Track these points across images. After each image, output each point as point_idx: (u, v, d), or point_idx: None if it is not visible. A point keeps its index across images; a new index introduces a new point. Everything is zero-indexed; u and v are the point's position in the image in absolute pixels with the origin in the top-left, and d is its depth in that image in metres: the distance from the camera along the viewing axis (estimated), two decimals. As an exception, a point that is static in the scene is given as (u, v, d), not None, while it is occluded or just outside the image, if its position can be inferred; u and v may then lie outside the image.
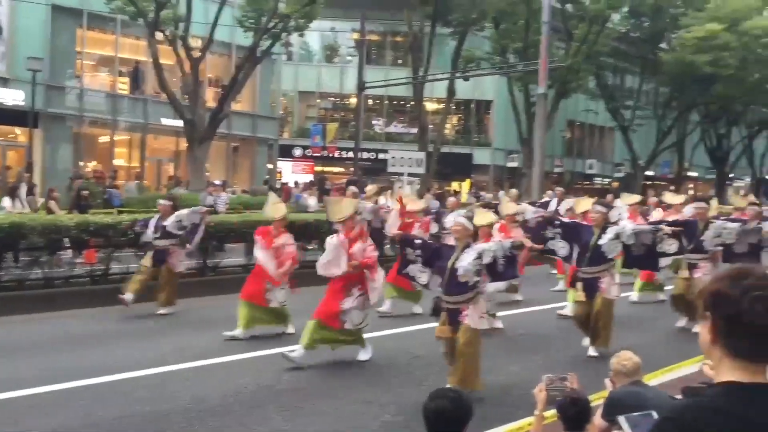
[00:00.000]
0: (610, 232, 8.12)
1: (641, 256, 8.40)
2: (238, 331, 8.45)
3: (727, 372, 1.68)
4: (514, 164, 37.05)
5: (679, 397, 3.27)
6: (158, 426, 5.63)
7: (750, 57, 32.32)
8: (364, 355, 7.73)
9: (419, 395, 4.69)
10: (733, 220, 9.98)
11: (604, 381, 4.57)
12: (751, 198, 15.06)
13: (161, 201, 10.66)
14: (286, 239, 8.73)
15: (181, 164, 27.52)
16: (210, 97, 26.22)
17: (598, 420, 4.33)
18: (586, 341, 8.33)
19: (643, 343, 8.23)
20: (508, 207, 10.55)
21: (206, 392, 6.45)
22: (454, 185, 35.34)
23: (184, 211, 10.18)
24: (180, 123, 22.38)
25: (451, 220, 7.06)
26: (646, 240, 8.24)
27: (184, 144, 24.27)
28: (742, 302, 1.63)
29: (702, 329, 1.75)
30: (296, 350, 7.31)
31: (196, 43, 23.12)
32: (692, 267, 9.63)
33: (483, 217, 7.68)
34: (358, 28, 29.99)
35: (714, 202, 11.74)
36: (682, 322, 9.80)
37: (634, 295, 11.69)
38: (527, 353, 8.30)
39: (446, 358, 6.76)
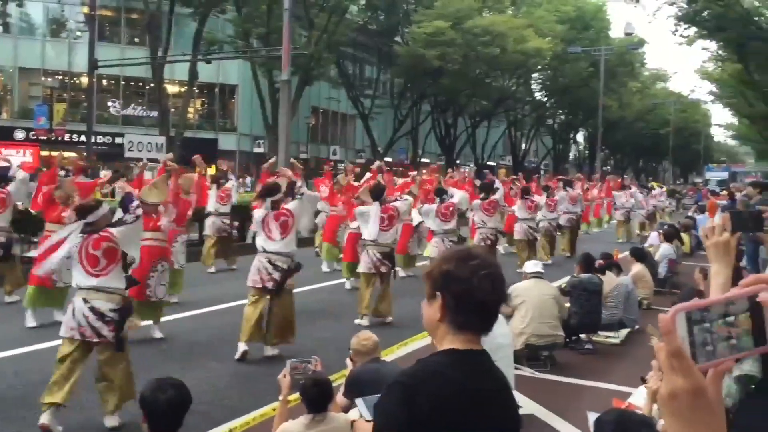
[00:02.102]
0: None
1: None
2: None
3: (448, 344, 1.84)
4: (260, 150, 37.03)
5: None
6: None
7: (472, 54, 35.52)
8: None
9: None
10: None
11: (345, 361, 4.75)
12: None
13: None
14: None
15: None
16: None
17: (340, 398, 4.49)
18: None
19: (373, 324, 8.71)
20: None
21: None
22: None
23: None
24: None
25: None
26: None
27: None
28: (472, 280, 1.79)
29: (428, 308, 1.88)
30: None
31: None
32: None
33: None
34: (88, 2, 27.68)
35: None
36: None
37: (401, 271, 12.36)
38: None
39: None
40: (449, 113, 43.63)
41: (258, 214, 7.57)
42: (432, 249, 11.96)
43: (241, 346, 7.28)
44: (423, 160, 48.14)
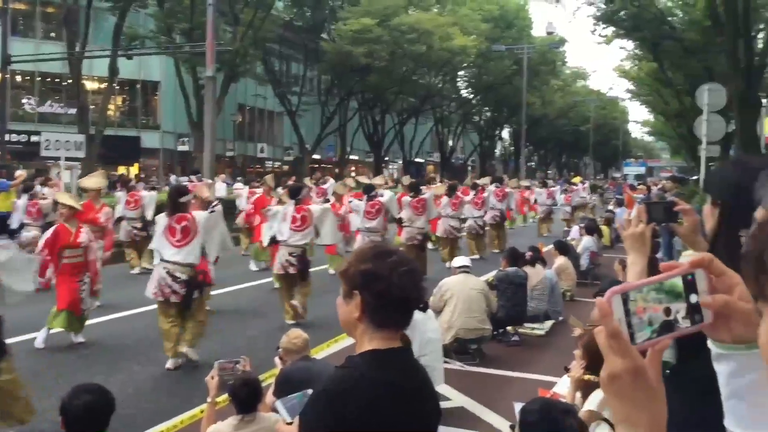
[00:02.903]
0: None
1: None
2: None
3: (368, 343, 1.83)
4: (185, 148, 36.29)
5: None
6: None
7: (398, 51, 35.74)
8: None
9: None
10: None
11: (274, 359, 4.71)
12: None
13: None
14: None
15: None
16: None
17: (269, 398, 4.45)
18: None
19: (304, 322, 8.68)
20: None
21: None
22: (121, 169, 33.38)
23: None
24: None
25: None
26: None
27: None
28: (391, 278, 1.79)
29: (345, 307, 1.87)
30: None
31: None
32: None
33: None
34: (0, -6, 26.45)
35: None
36: None
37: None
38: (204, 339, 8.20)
39: None
40: (377, 110, 43.79)
41: (161, 220, 7.26)
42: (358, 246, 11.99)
43: (170, 363, 6.99)
44: (351, 157, 48.23)
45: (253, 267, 13.21)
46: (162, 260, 7.13)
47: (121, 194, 13.06)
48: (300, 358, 4.55)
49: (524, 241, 13.38)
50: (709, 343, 0.99)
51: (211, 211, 7.27)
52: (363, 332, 1.84)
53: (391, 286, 1.79)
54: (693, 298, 0.93)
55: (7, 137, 23.89)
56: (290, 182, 15.31)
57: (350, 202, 12.26)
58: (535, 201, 21.88)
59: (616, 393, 0.92)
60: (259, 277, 12.37)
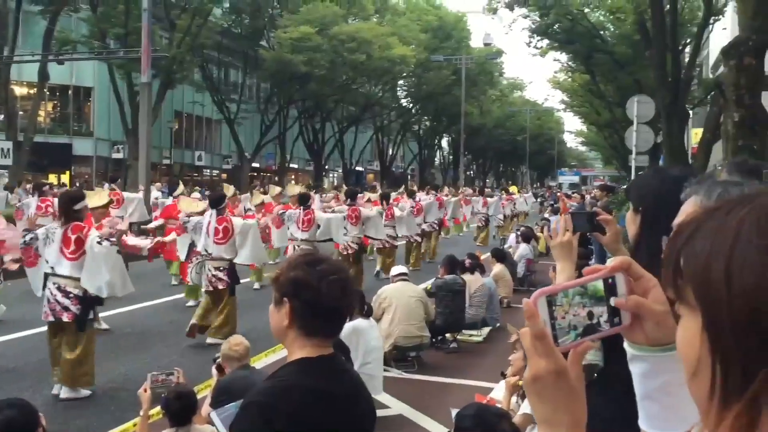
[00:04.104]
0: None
1: None
2: None
3: (299, 351, 1.84)
4: (119, 155, 35.41)
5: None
6: None
7: (338, 59, 35.78)
8: None
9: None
10: None
11: (211, 369, 4.62)
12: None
13: None
14: None
15: None
16: None
17: (206, 409, 4.37)
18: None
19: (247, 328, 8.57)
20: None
21: None
22: (52, 177, 32.34)
23: None
24: None
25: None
26: None
27: None
28: (321, 286, 1.79)
29: (276, 314, 1.87)
30: None
31: None
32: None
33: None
34: None
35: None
36: None
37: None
38: (134, 352, 8.01)
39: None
40: (317, 118, 43.70)
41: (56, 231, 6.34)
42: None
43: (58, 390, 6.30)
44: (291, 165, 47.96)
45: (173, 282, 12.27)
46: (53, 273, 6.25)
47: (32, 200, 12.45)
48: (239, 367, 4.47)
49: (461, 250, 13.48)
50: (625, 345, 1.03)
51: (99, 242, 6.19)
52: (293, 340, 1.84)
53: (319, 294, 1.79)
54: (612, 301, 0.96)
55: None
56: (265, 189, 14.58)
57: (281, 213, 11.35)
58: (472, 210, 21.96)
59: (538, 393, 0.94)
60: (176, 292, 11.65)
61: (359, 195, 13.78)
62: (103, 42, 28.58)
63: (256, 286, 12.15)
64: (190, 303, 10.29)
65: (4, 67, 25.67)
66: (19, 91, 32.56)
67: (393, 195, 16.17)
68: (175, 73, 29.80)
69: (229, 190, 13.40)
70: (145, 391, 4.01)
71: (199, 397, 4.32)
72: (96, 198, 8.05)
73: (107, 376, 6.93)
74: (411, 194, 16.45)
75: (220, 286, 8.47)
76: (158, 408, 4.02)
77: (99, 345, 7.53)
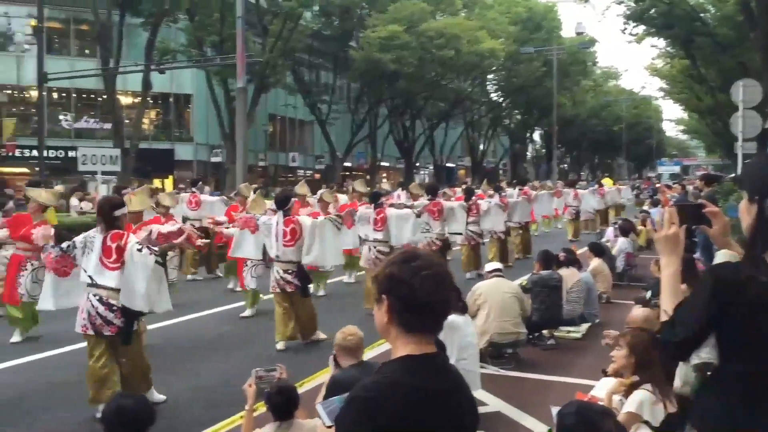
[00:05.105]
0: None
1: None
2: None
3: (402, 347, 1.85)
4: (218, 159, 36.69)
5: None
6: None
7: (427, 56, 35.74)
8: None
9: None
10: None
11: (328, 359, 4.60)
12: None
13: None
14: None
15: None
16: None
17: (320, 400, 4.41)
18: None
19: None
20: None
21: None
22: (156, 182, 33.90)
23: None
24: None
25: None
26: None
27: None
28: (413, 282, 1.81)
29: (378, 312, 1.90)
30: None
31: None
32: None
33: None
34: (36, 15, 27.09)
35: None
36: None
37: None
38: (232, 350, 8.29)
39: None
40: (406, 116, 43.81)
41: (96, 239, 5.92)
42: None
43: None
44: (382, 163, 48.33)
45: (231, 285, 12.14)
46: (95, 284, 5.81)
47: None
48: (352, 365, 4.28)
49: (554, 245, 13.10)
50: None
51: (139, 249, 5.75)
52: (396, 337, 1.87)
53: (413, 289, 1.81)
54: None
55: (44, 153, 24.43)
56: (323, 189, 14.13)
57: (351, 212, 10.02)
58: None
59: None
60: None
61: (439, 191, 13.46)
62: (200, 50, 29.74)
63: (321, 293, 11.63)
64: (247, 313, 10.04)
65: (111, 79, 27.12)
66: (125, 100, 34.26)
67: (476, 191, 15.74)
68: (268, 77, 30.63)
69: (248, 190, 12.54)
70: (250, 386, 4.13)
71: (300, 391, 4.42)
72: (136, 201, 7.75)
73: (210, 373, 7.20)
74: (497, 189, 15.77)
75: (289, 289, 8.30)
76: (262, 402, 4.14)
77: (201, 344, 7.87)
